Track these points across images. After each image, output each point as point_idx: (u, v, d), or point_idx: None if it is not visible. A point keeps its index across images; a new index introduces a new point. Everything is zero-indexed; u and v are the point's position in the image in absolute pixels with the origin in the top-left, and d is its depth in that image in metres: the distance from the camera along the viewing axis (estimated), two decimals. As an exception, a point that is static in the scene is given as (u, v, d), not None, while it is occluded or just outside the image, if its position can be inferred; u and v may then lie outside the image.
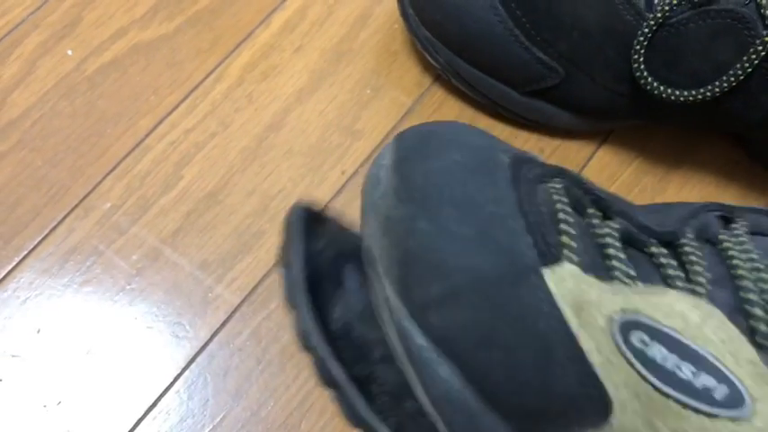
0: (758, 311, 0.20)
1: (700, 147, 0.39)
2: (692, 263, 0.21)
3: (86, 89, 0.38)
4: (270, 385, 0.33)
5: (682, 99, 0.32)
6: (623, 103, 0.35)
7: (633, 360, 0.19)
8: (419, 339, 0.19)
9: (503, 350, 0.19)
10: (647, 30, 0.32)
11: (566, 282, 0.19)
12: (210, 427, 0.33)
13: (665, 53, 0.32)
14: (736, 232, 0.22)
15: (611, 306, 0.19)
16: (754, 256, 0.21)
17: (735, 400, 0.19)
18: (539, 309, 0.19)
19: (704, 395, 0.19)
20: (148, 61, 0.39)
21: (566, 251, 0.20)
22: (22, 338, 0.34)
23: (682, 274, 0.20)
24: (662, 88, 0.32)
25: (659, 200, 0.38)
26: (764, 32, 0.30)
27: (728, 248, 0.21)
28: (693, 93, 0.32)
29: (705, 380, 0.19)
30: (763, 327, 0.20)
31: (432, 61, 0.38)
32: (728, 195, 0.38)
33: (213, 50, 0.40)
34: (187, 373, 0.34)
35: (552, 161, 0.38)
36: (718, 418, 0.19)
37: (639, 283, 0.20)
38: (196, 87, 0.39)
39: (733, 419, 0.19)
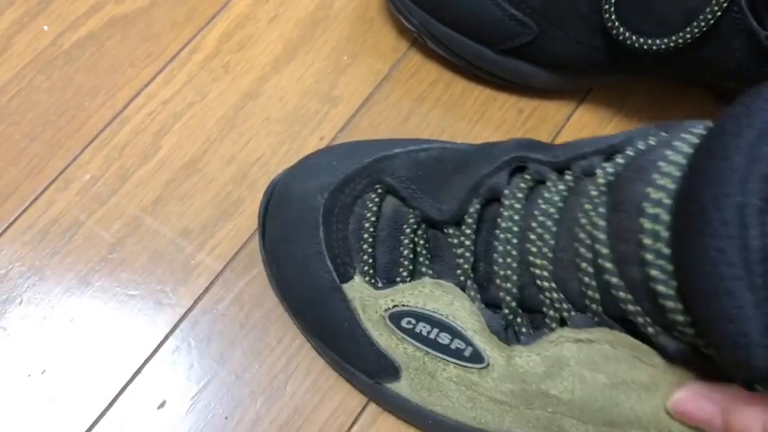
0: (498, 281, 0.26)
1: (679, 103, 0.39)
2: (463, 244, 0.27)
3: (63, 63, 0.38)
4: (254, 349, 0.33)
5: (654, 48, 0.32)
6: (598, 56, 0.35)
7: (405, 336, 0.28)
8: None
9: (331, 337, 0.31)
10: (616, -21, 0.32)
11: (356, 291, 0.29)
12: (195, 391, 0.33)
13: (635, 2, 0.32)
14: (515, 191, 0.27)
15: (383, 305, 0.28)
16: (512, 224, 0.26)
17: (477, 357, 0.27)
18: (343, 312, 0.29)
19: (457, 354, 0.27)
20: (124, 35, 0.39)
21: (359, 266, 0.29)
22: (4, 310, 0.34)
23: (461, 252, 0.27)
24: (634, 38, 0.32)
25: (639, 156, 0.38)
26: (732, -26, 0.30)
27: (502, 214, 0.27)
28: (666, 41, 0.32)
29: (457, 343, 0.27)
30: (501, 294, 0.26)
31: (406, 24, 0.38)
32: (708, 150, 0.38)
33: (188, 22, 0.40)
34: (171, 339, 0.34)
35: (531, 122, 0.39)
36: (468, 368, 0.27)
37: (412, 280, 0.28)
38: (173, 59, 0.39)
39: (478, 369, 0.27)
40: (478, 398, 0.28)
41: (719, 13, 0.30)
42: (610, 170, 0.24)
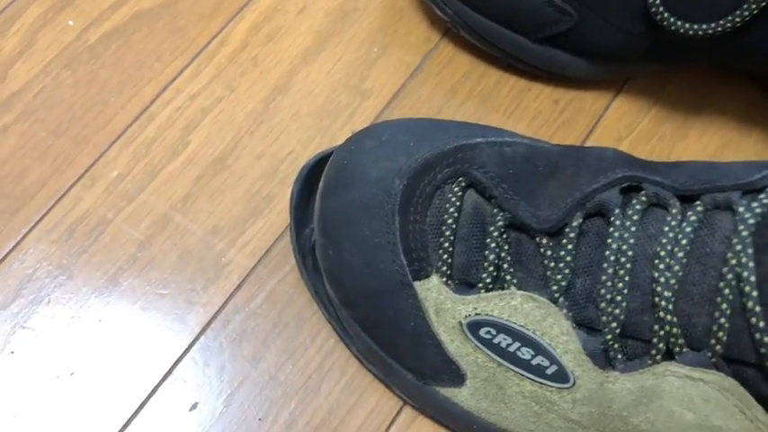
0: (603, 304, 0.25)
1: (719, 92, 0.38)
2: (561, 258, 0.26)
3: (89, 59, 0.38)
4: (287, 348, 0.33)
5: (700, 33, 0.31)
6: (639, 44, 0.34)
7: (480, 346, 0.26)
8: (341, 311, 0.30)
9: (385, 332, 0.29)
10: (661, -38, 0.31)
11: (431, 292, 0.27)
12: (228, 392, 0.32)
13: (681, -14, 0.31)
14: (629, 212, 0.25)
15: (463, 311, 0.26)
16: (626, 246, 0.25)
17: (562, 376, 0.25)
18: (409, 311, 0.27)
19: (538, 370, 0.26)
20: (151, 28, 0.38)
21: (437, 265, 0.27)
22: (31, 310, 0.33)
23: (557, 265, 0.26)
24: (679, 23, 0.31)
25: (680, 147, 0.37)
26: (786, -46, 0.28)
27: (611, 233, 0.25)
28: (712, 26, 0.30)
29: (540, 360, 0.26)
30: (604, 318, 0.25)
31: (440, 14, 0.37)
32: (750, 140, 0.37)
33: (216, 14, 0.39)
34: (202, 338, 0.33)
35: (568, 112, 0.38)
36: (547, 386, 0.26)
37: (494, 288, 0.26)
38: (200, 52, 0.38)
39: (558, 388, 0.26)
40: (547, 414, 0.26)
41: (771, -4, 0.29)
42: (758, 210, 0.23)
